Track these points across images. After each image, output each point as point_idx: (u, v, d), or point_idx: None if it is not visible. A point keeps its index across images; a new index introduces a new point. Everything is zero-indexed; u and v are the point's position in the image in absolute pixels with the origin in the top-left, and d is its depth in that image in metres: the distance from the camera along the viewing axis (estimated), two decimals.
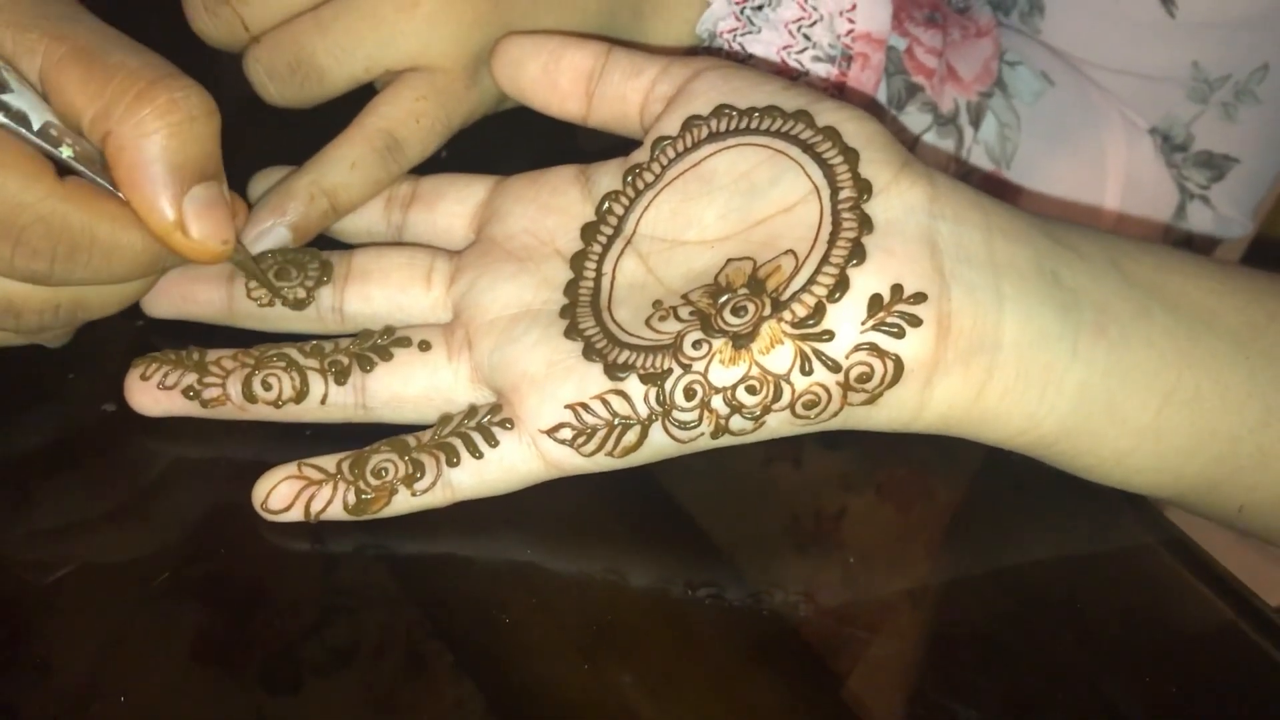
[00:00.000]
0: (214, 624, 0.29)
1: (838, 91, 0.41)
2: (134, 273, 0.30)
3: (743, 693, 0.29)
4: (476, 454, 0.30)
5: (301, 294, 0.33)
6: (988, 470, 0.34)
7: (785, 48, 0.39)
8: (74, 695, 0.28)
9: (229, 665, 0.29)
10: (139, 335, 0.34)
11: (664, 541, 0.32)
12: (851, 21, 0.39)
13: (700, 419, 0.29)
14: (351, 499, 0.30)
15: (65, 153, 0.28)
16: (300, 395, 0.31)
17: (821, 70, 0.40)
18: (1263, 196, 0.51)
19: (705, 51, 0.39)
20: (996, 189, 0.44)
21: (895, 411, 0.29)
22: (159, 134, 0.27)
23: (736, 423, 0.29)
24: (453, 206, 0.35)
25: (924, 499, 0.34)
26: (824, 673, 0.29)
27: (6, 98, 0.27)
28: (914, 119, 0.44)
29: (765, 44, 0.39)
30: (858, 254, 0.28)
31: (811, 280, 0.28)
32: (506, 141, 0.39)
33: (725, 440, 0.29)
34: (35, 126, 0.28)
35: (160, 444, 0.33)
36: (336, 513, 0.30)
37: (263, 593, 0.30)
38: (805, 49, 0.39)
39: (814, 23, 0.39)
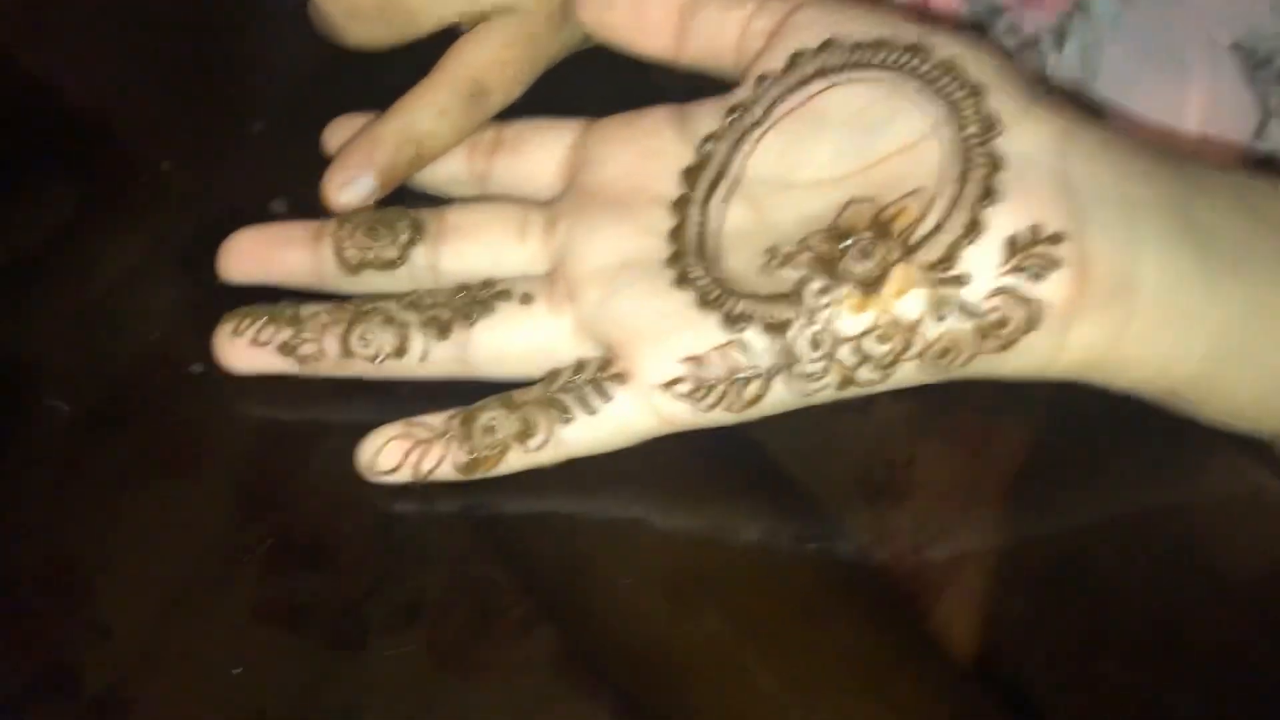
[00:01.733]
0: (275, 583, 0.29)
1: (922, 13, 0.39)
2: None
3: (829, 633, 0.28)
4: (589, 410, 0.29)
5: (393, 254, 0.32)
6: (1057, 409, 0.33)
7: None
8: (135, 657, 0.28)
9: (292, 624, 0.28)
10: (222, 298, 0.33)
11: (745, 487, 0.31)
12: None
13: (826, 370, 0.28)
14: (463, 457, 0.29)
15: None
16: (400, 351, 0.30)
17: None
18: None
19: None
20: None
21: (1028, 359, 0.28)
22: None
23: (864, 373, 0.28)
24: (540, 152, 0.33)
25: (994, 443, 0.33)
26: (908, 611, 0.29)
27: None
28: (997, 42, 0.42)
29: None
30: (991, 193, 0.27)
31: (943, 222, 0.27)
32: (571, 85, 0.38)
33: (850, 392, 0.28)
34: None
35: (212, 399, 0.32)
36: (446, 473, 0.29)
37: (324, 549, 0.30)
38: None
39: None
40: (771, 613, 0.29)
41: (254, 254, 0.32)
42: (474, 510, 0.30)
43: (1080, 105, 0.42)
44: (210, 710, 0.27)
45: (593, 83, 0.37)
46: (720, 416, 0.29)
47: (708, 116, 0.31)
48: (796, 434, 0.31)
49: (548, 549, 0.30)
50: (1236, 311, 0.28)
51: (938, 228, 0.27)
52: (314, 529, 0.30)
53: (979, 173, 0.27)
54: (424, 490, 0.30)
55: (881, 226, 0.28)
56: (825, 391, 0.28)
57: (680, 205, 0.30)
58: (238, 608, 0.28)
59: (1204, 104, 0.46)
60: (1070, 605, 0.29)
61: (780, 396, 0.28)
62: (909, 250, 0.27)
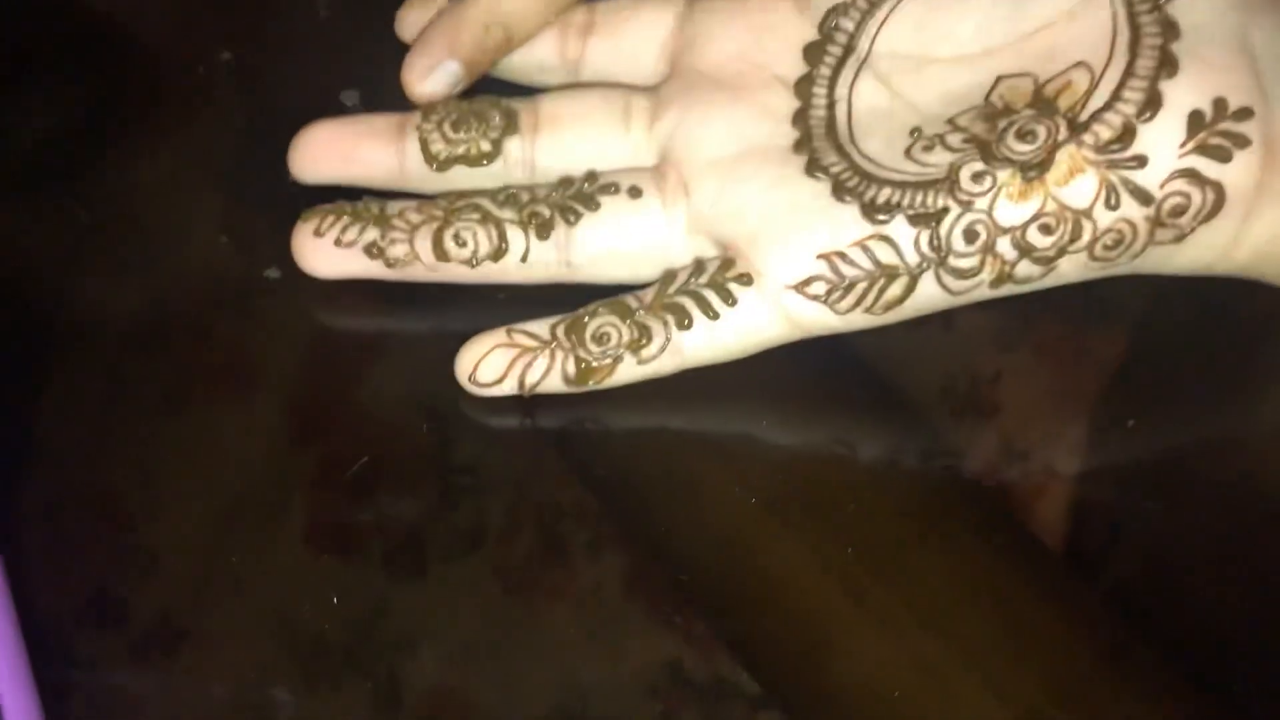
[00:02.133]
0: (329, 509, 0.28)
1: None
2: None
3: (933, 545, 0.27)
4: (711, 314, 0.27)
5: (486, 147, 0.29)
6: (1147, 321, 0.32)
7: None
8: (186, 586, 0.27)
9: (348, 552, 0.27)
10: (300, 198, 0.30)
11: (841, 399, 0.30)
12: None
13: (981, 265, 0.25)
14: (572, 369, 0.27)
15: None
16: (499, 252, 0.28)
17: None
18: None
19: None
20: None
21: (1203, 250, 0.26)
22: None
23: (1024, 268, 0.25)
24: (639, 33, 0.31)
25: (1083, 356, 0.32)
26: (1008, 517, 0.28)
27: None
28: None
29: None
30: (1169, 64, 0.24)
31: (1115, 97, 0.24)
32: None
33: (1005, 290, 0.26)
34: None
35: (255, 317, 0.31)
36: (554, 385, 0.27)
37: (380, 474, 0.28)
38: None
39: None
40: (868, 527, 0.27)
41: (331, 150, 0.30)
42: (568, 426, 0.28)
43: None
44: (263, 641, 0.26)
45: None
46: (858, 320, 0.27)
47: None
48: (886, 345, 0.30)
49: (622, 467, 0.28)
50: None
51: (1109, 104, 0.24)
52: (369, 451, 0.28)
53: (1152, 41, 0.24)
54: (524, 404, 0.28)
55: (1044, 104, 0.25)
56: (978, 290, 0.26)
57: (804, 85, 0.28)
58: (291, 534, 0.27)
59: None
60: (1161, 510, 0.28)
61: (927, 296, 0.26)
62: (1077, 129, 0.24)
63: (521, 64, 0.31)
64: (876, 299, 0.26)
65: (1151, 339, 0.31)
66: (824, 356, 0.29)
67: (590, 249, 0.28)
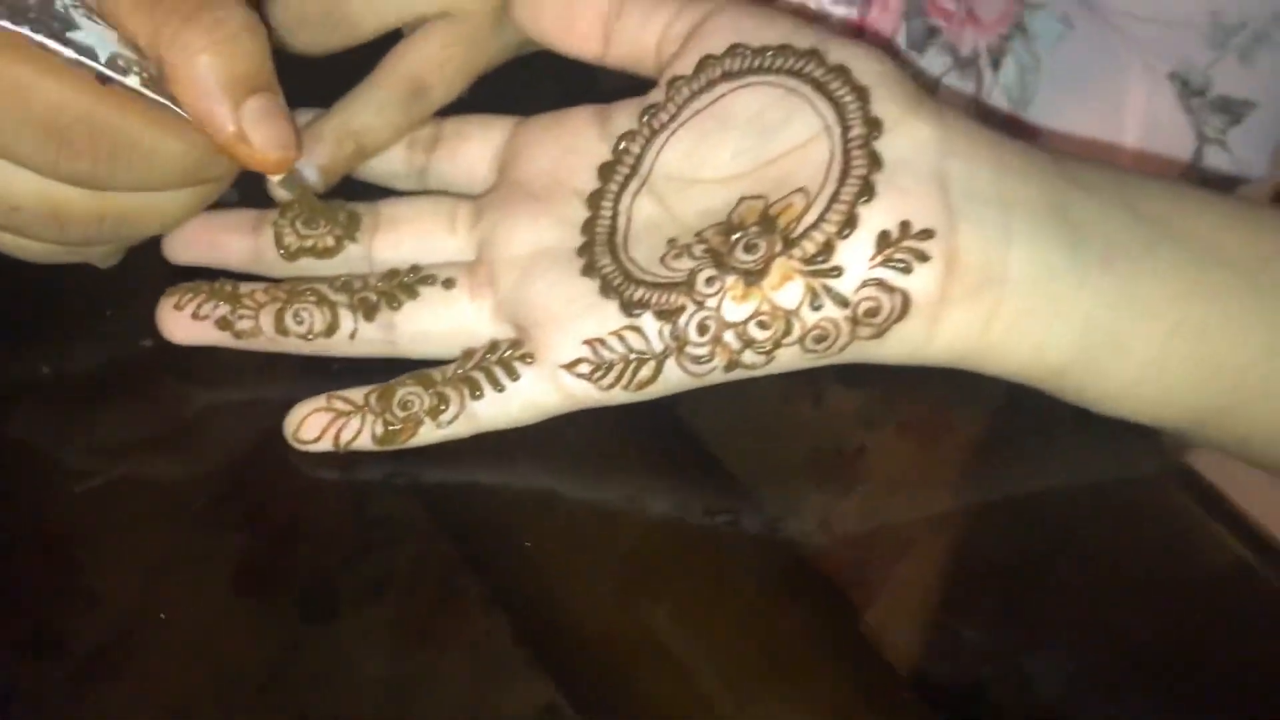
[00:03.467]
0: (253, 556, 0.30)
1: (857, 33, 0.41)
2: (175, 179, 0.30)
3: (765, 621, 0.30)
4: (498, 387, 0.31)
5: (330, 242, 0.34)
6: (1009, 407, 0.34)
7: None
8: (119, 624, 0.29)
9: (267, 595, 0.30)
10: (173, 278, 0.34)
11: (684, 472, 0.33)
12: None
13: (713, 354, 0.30)
14: (379, 430, 0.31)
15: (133, 81, 0.29)
16: (331, 330, 0.32)
17: (840, 12, 0.40)
18: None
19: None
20: (1015, 132, 0.45)
21: (902, 345, 0.30)
22: (205, 53, 0.28)
23: (748, 357, 0.30)
24: (475, 149, 0.35)
25: (944, 434, 0.35)
26: (843, 603, 0.30)
27: (73, 34, 0.28)
28: (933, 61, 0.44)
29: None
30: (866, 191, 0.29)
31: (821, 218, 0.29)
32: (527, 84, 0.39)
33: (738, 374, 0.30)
34: (102, 59, 0.28)
35: (194, 380, 0.34)
36: (365, 443, 0.31)
37: (299, 525, 0.31)
38: None
39: None
40: (711, 604, 0.30)
41: (198, 238, 0.34)
42: (397, 478, 0.32)
43: (1012, 128, 0.44)
44: (190, 674, 0.28)
45: (544, 84, 0.39)
46: (619, 395, 0.31)
47: (625, 116, 0.33)
48: (746, 420, 0.34)
49: (487, 522, 0.31)
50: (1106, 303, 0.30)
51: (817, 223, 0.29)
52: (289, 505, 0.31)
53: (858, 171, 0.29)
54: (348, 458, 0.32)
55: (768, 221, 0.29)
56: (714, 373, 0.30)
57: (594, 199, 0.32)
58: (217, 578, 0.30)
59: (1141, 128, 0.48)
60: (1011, 608, 0.31)
61: (673, 377, 0.30)
62: (789, 244, 0.29)
63: (377, 171, 0.36)
64: (631, 378, 0.30)
65: (1011, 421, 0.34)
66: (665, 426, 0.32)
67: (410, 330, 0.33)
